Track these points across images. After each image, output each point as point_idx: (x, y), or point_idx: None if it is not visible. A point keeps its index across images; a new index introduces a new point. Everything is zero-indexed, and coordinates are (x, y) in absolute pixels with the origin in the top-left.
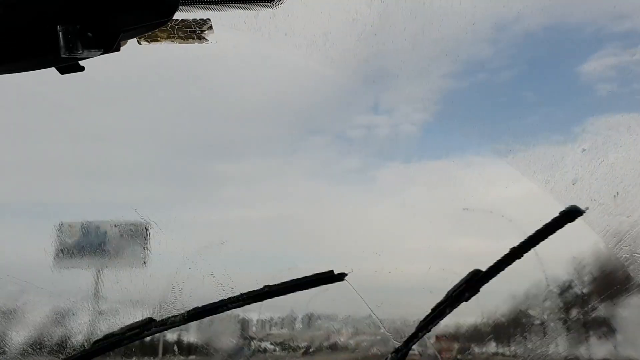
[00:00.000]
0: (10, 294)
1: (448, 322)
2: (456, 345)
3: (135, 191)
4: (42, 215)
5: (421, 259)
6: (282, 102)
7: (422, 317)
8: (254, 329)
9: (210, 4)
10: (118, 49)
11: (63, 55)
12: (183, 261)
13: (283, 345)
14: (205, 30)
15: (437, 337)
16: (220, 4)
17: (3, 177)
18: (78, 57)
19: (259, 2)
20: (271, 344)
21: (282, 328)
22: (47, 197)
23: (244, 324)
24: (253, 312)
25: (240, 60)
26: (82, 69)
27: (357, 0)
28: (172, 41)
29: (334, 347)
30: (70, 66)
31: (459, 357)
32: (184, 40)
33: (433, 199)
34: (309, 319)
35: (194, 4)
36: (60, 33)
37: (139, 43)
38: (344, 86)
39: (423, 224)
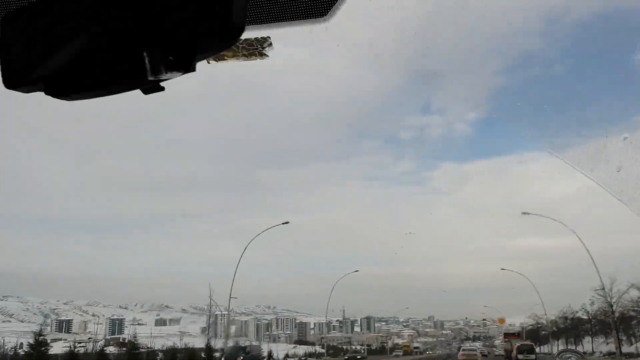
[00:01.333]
0: None
1: (512, 322)
2: (518, 343)
3: (201, 200)
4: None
5: (481, 259)
6: (335, 110)
7: (481, 319)
8: (311, 332)
9: (269, 23)
10: (194, 70)
11: (149, 79)
12: (251, 266)
13: (336, 348)
14: (265, 47)
15: (505, 334)
16: (278, 22)
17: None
18: (161, 79)
19: (313, 18)
20: (323, 346)
21: (341, 330)
22: (122, 209)
23: (301, 327)
24: (311, 317)
25: (296, 72)
26: (162, 89)
27: (403, 5)
28: (237, 59)
29: (393, 349)
30: (152, 87)
31: (519, 357)
32: (247, 57)
33: (489, 197)
34: (368, 322)
35: (255, 24)
36: (146, 58)
37: (208, 62)
38: (394, 89)
39: (481, 223)
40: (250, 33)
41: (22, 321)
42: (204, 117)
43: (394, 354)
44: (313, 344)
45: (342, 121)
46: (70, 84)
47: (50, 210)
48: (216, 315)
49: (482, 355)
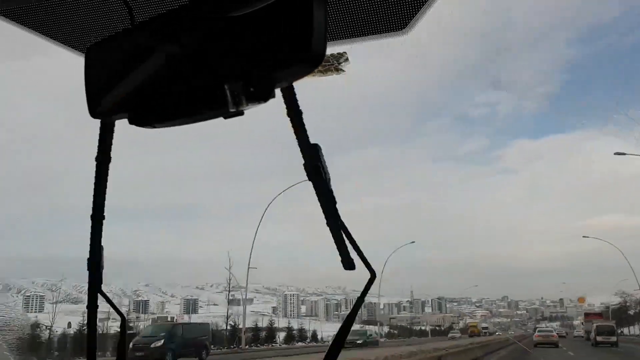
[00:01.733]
0: None
1: (592, 302)
2: (598, 323)
3: (264, 188)
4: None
5: (554, 238)
6: (400, 89)
7: (557, 299)
8: (381, 312)
9: (345, 39)
10: (274, 97)
11: (231, 110)
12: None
13: (404, 328)
14: (342, 63)
15: (586, 314)
16: (355, 37)
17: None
18: (242, 109)
19: (390, 32)
20: (391, 326)
21: (411, 311)
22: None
23: (370, 308)
24: (382, 298)
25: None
26: (242, 113)
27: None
28: (313, 75)
29: (464, 330)
30: (233, 113)
31: (598, 339)
32: (323, 73)
33: (562, 175)
34: (439, 302)
35: (332, 40)
36: (227, 90)
37: None
38: (462, 66)
39: (553, 202)
40: (328, 49)
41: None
42: (271, 102)
43: (449, 335)
44: (381, 323)
45: (407, 101)
46: (153, 113)
47: (133, 200)
48: (284, 295)
49: (560, 337)
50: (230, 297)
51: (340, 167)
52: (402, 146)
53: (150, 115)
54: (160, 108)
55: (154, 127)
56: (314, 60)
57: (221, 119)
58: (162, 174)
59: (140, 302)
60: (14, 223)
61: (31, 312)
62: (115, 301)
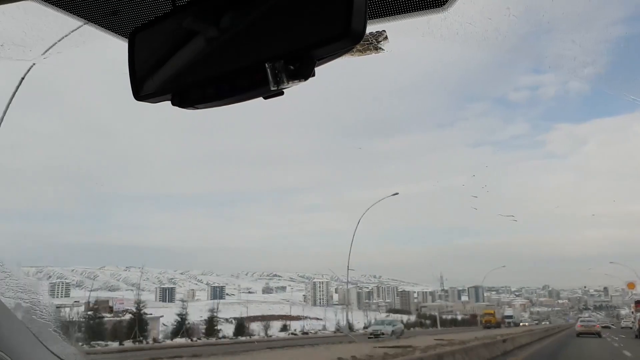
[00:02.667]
0: None
1: None
2: None
3: (305, 173)
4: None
5: (603, 224)
6: (440, 72)
7: (603, 287)
8: (415, 300)
9: (386, 17)
10: (314, 75)
11: (272, 89)
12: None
13: (433, 317)
14: (381, 41)
15: (637, 302)
16: (395, 15)
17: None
18: (284, 88)
19: (431, 8)
20: (421, 315)
21: (446, 299)
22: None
23: (404, 296)
24: (417, 286)
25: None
26: (282, 93)
27: None
28: (352, 55)
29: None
30: (273, 93)
31: None
32: (362, 52)
33: (609, 159)
34: (476, 291)
35: (371, 19)
36: (268, 69)
37: None
38: (501, 47)
39: (600, 187)
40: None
41: (142, 289)
42: (308, 89)
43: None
44: (409, 312)
45: (447, 84)
46: (195, 94)
47: (169, 187)
48: (314, 282)
49: (603, 328)
50: (265, 285)
51: (379, 151)
52: (442, 130)
53: (191, 96)
54: (202, 89)
55: (196, 108)
56: (354, 38)
57: (262, 103)
58: (204, 160)
59: (167, 290)
60: (59, 210)
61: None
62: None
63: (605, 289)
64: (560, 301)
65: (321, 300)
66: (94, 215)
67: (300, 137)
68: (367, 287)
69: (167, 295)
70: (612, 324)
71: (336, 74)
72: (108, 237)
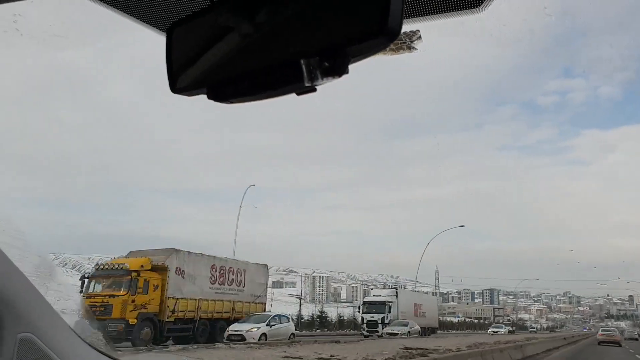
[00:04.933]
0: None
1: None
2: None
3: (332, 173)
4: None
5: (629, 233)
6: (468, 75)
7: (628, 296)
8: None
9: (421, 16)
10: (348, 72)
11: (307, 85)
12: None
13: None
14: (414, 41)
15: None
16: (430, 15)
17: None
18: (318, 84)
19: (467, 9)
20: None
21: (459, 301)
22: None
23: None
24: (426, 287)
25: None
26: (315, 90)
27: None
28: (384, 54)
29: (518, 325)
30: (306, 89)
31: None
32: (395, 52)
33: (637, 167)
34: (490, 294)
35: (406, 18)
36: (303, 66)
37: None
38: (533, 50)
39: (628, 195)
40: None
41: None
42: (334, 91)
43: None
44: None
45: (476, 87)
46: (230, 88)
47: (195, 182)
48: (313, 277)
49: (630, 339)
50: (280, 279)
51: (405, 151)
52: (468, 132)
53: (227, 90)
54: (237, 84)
55: (231, 102)
56: (390, 36)
57: (291, 102)
58: (230, 155)
59: None
60: (84, 200)
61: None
62: None
63: (631, 297)
64: (580, 308)
65: (320, 297)
66: (119, 206)
67: (326, 137)
68: (375, 285)
69: None
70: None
71: (364, 74)
72: (132, 228)
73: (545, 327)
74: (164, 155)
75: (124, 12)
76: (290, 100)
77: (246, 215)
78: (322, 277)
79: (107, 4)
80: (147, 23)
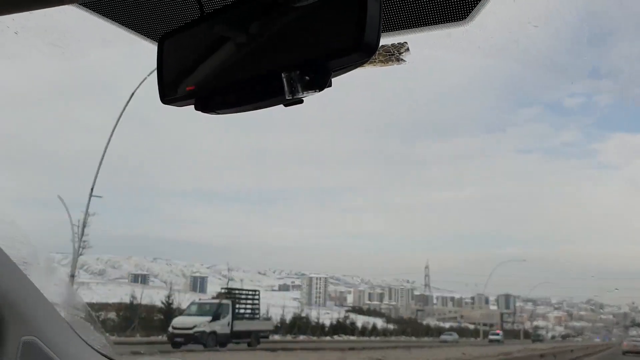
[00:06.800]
0: None
1: None
2: None
3: (348, 175)
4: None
5: None
6: (489, 75)
7: None
8: (434, 305)
9: (405, 29)
10: (330, 86)
11: (287, 98)
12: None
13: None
14: (402, 53)
15: None
16: (415, 27)
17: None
18: (299, 97)
19: (452, 22)
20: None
21: (473, 307)
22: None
23: (419, 300)
24: (438, 291)
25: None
26: (301, 102)
27: None
28: (374, 65)
29: (536, 329)
30: (292, 101)
31: None
32: (384, 63)
33: None
34: (506, 299)
35: (392, 30)
36: (284, 79)
37: None
38: (556, 53)
39: None
40: (387, 39)
41: (164, 281)
42: (350, 91)
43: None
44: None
45: (500, 87)
46: (216, 100)
47: (210, 183)
48: (310, 278)
49: None
50: (291, 283)
51: (425, 154)
52: (491, 135)
53: (213, 101)
54: (223, 95)
55: (217, 113)
56: (367, 51)
57: (308, 102)
58: (245, 157)
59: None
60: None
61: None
62: (176, 280)
63: None
64: (603, 316)
65: (317, 300)
66: (132, 207)
67: (344, 137)
68: (381, 290)
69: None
70: None
71: (384, 75)
72: (143, 229)
73: (560, 335)
74: (178, 157)
75: (119, 22)
76: (307, 101)
77: (260, 218)
78: (320, 278)
79: (102, 14)
80: (140, 33)
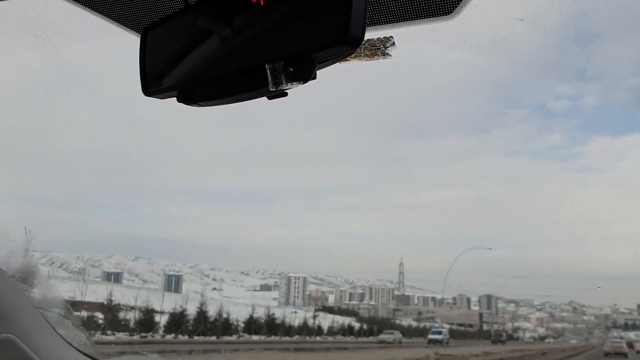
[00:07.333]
0: None
1: None
2: None
3: (337, 174)
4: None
5: (639, 243)
6: (477, 76)
7: (635, 307)
8: (415, 305)
9: (391, 23)
10: (315, 78)
11: (271, 89)
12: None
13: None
14: (388, 47)
15: None
16: (400, 22)
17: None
18: (283, 89)
19: (437, 16)
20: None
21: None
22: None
23: (401, 299)
24: (418, 291)
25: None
26: (286, 94)
27: None
28: (360, 59)
29: (517, 329)
30: (276, 94)
31: None
32: (370, 57)
33: None
34: (487, 300)
35: (378, 24)
36: (268, 70)
37: None
38: (542, 52)
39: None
40: (373, 33)
41: (144, 280)
42: (340, 90)
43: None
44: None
45: (488, 88)
46: (199, 92)
47: (196, 182)
48: (288, 277)
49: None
50: (273, 283)
51: (415, 154)
52: (478, 136)
53: (196, 94)
54: (206, 87)
55: (200, 105)
56: (352, 43)
57: (300, 100)
58: (236, 156)
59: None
60: (80, 198)
61: None
62: (155, 280)
63: (639, 306)
64: (585, 317)
65: (295, 300)
66: (118, 205)
67: (334, 137)
68: (362, 290)
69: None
70: None
71: (374, 74)
72: (131, 228)
73: (539, 336)
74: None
75: (100, 13)
76: (294, 98)
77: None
78: (299, 277)
79: (84, 5)
80: (122, 24)
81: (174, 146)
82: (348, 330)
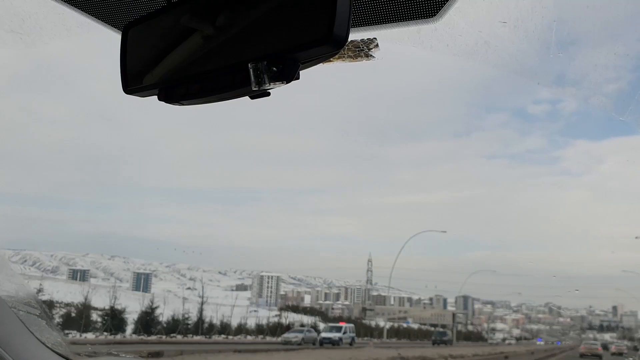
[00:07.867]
0: None
1: None
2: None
3: (317, 176)
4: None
5: (617, 246)
6: (458, 80)
7: (610, 309)
8: (391, 305)
9: (375, 25)
10: (298, 78)
11: (254, 89)
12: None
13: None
14: (372, 48)
15: None
16: (384, 24)
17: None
18: (266, 89)
19: (421, 19)
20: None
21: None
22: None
23: (377, 300)
24: (395, 291)
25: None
26: (268, 94)
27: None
28: (343, 60)
29: (493, 330)
30: (259, 93)
31: None
32: (354, 59)
33: (627, 180)
34: (464, 301)
35: (362, 26)
36: (250, 70)
37: None
38: (524, 56)
39: (617, 207)
40: (356, 35)
41: (120, 279)
42: (322, 92)
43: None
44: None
45: (467, 92)
46: (181, 91)
47: (176, 182)
48: (261, 277)
49: (619, 355)
50: (250, 283)
51: (394, 157)
52: (458, 139)
53: (177, 92)
54: (187, 86)
55: (181, 104)
56: (336, 44)
57: (280, 102)
58: (213, 156)
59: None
60: (55, 195)
61: None
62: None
63: (614, 308)
64: (561, 319)
65: (269, 299)
66: (96, 203)
67: (314, 139)
68: (337, 289)
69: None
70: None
71: (353, 77)
72: (109, 227)
73: (515, 337)
74: (145, 154)
75: (80, 9)
76: (278, 101)
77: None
78: (272, 277)
79: (64, 1)
80: (103, 21)
81: (153, 145)
82: (286, 329)
